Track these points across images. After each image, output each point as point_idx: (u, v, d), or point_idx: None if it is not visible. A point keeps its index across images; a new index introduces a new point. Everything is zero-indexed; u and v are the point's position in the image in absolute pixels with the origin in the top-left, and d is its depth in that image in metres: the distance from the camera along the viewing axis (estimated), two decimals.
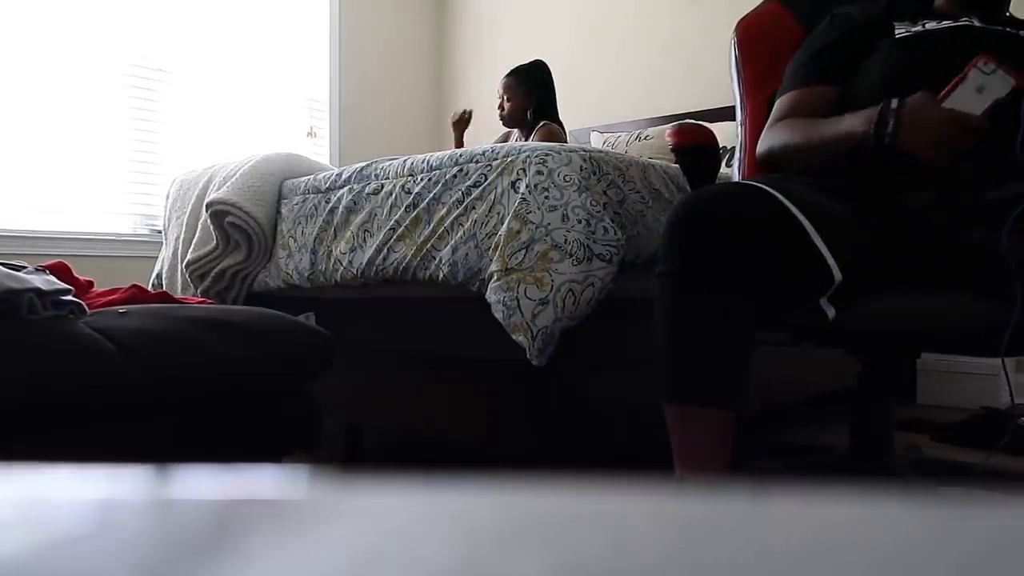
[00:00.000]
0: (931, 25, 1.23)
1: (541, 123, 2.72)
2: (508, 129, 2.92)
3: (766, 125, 1.33)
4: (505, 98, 2.80)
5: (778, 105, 1.32)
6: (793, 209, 1.01)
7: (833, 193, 1.12)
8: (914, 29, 1.23)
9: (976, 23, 1.21)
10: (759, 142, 1.31)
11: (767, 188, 1.03)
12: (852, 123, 1.13)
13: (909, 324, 1.05)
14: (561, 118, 2.85)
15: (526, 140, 2.75)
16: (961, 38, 1.20)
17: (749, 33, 1.54)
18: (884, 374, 1.32)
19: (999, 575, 0.12)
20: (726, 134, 2.79)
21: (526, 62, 2.85)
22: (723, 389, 1.00)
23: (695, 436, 1.00)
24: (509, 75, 2.81)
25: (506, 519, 0.14)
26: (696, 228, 0.99)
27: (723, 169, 2.65)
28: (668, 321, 1.01)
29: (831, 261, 0.99)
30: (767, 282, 0.99)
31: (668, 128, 2.52)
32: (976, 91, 1.04)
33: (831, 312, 1.01)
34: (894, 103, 1.07)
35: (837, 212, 1.08)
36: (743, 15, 1.58)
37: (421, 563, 0.12)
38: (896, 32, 1.24)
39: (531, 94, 2.76)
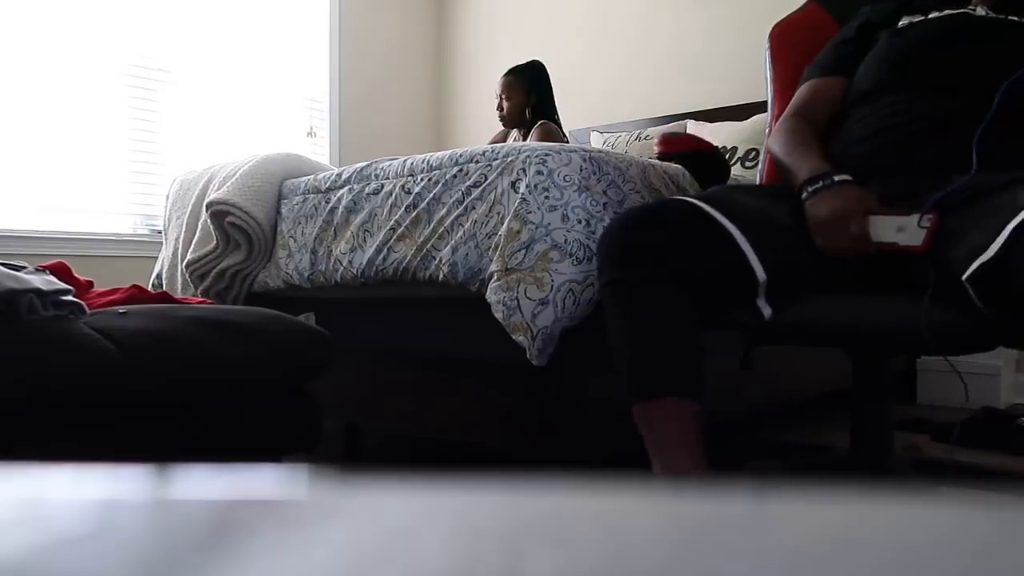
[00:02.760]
0: (934, 15, 1.25)
1: (539, 122, 2.72)
2: (505, 128, 2.92)
3: (781, 116, 1.37)
4: (504, 97, 2.81)
5: (795, 97, 1.38)
6: (718, 216, 1.08)
7: (777, 197, 1.19)
8: (916, 19, 1.26)
9: (979, 11, 1.23)
10: (770, 135, 1.37)
11: (693, 201, 1.12)
12: (802, 169, 1.18)
13: (843, 322, 1.11)
14: (562, 118, 2.86)
15: (524, 139, 2.76)
16: (955, 26, 1.23)
17: (783, 36, 1.57)
18: (875, 374, 1.33)
19: (1000, 575, 0.12)
20: (728, 134, 2.80)
21: (523, 62, 2.86)
22: (677, 379, 1.06)
23: (662, 428, 1.06)
24: (507, 75, 2.82)
25: (507, 519, 0.14)
26: (622, 240, 1.09)
27: (739, 170, 2.64)
28: (616, 326, 1.10)
29: (755, 263, 1.06)
30: (703, 284, 1.07)
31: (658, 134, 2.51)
32: (897, 228, 1.06)
33: (767, 312, 1.08)
34: (834, 179, 1.12)
35: (777, 216, 1.15)
36: (779, 19, 1.61)
37: (422, 563, 0.12)
38: (901, 23, 1.27)
39: (530, 93, 2.77)
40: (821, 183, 1.12)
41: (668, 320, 1.07)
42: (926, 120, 1.15)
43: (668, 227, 1.09)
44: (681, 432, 1.04)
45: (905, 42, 1.24)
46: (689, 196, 1.16)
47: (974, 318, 0.95)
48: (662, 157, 1.83)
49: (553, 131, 2.68)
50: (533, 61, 2.85)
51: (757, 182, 1.57)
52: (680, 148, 1.87)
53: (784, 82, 1.54)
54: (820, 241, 1.10)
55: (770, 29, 1.60)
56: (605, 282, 1.11)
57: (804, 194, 1.14)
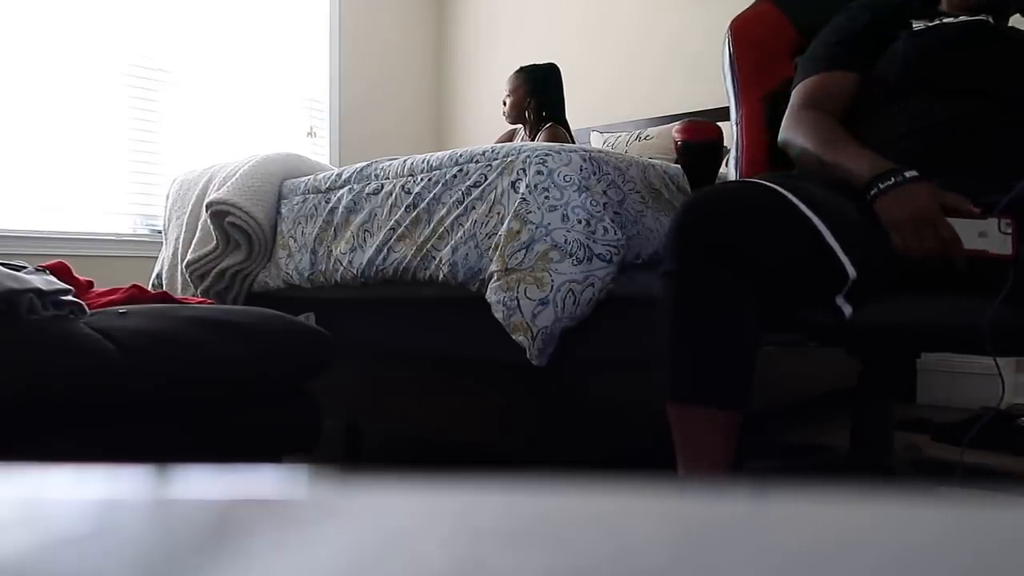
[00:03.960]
0: (948, 20, 1.24)
1: (547, 124, 2.73)
2: (512, 127, 2.93)
3: (789, 108, 1.31)
4: (507, 92, 2.81)
5: (801, 89, 1.32)
6: (803, 207, 1.00)
7: (843, 191, 1.11)
8: (931, 24, 1.24)
9: (991, 20, 1.23)
10: (783, 126, 1.30)
11: (775, 187, 1.03)
12: (861, 165, 1.10)
13: (924, 323, 1.04)
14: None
15: (531, 140, 2.76)
16: (979, 31, 1.21)
17: (743, 33, 1.55)
18: (884, 374, 1.32)
19: (1000, 575, 0.12)
20: (728, 134, 2.79)
21: (541, 63, 2.86)
22: (728, 390, 0.99)
23: (698, 436, 1.00)
24: (517, 71, 2.83)
25: (506, 519, 0.14)
26: (702, 228, 0.99)
27: (721, 168, 2.64)
28: (673, 321, 1.01)
29: (844, 259, 0.99)
30: (778, 281, 0.99)
31: (675, 125, 2.51)
32: (979, 233, 1.01)
33: (848, 310, 1.00)
34: (908, 174, 1.05)
35: (847, 210, 1.08)
36: (736, 15, 1.58)
37: (421, 563, 0.12)
38: (914, 27, 1.25)
39: (531, 94, 2.77)
40: (893, 179, 1.05)
41: (730, 322, 0.98)
42: (961, 121, 1.13)
43: (746, 216, 0.99)
44: (717, 443, 0.99)
45: (932, 42, 1.22)
46: (766, 180, 1.07)
47: None
48: (685, 144, 1.81)
49: (560, 134, 2.68)
50: (548, 64, 2.84)
51: (733, 177, 1.54)
52: (703, 136, 1.86)
53: (749, 79, 1.52)
54: (899, 241, 1.03)
55: (729, 24, 1.59)
56: (670, 270, 1.01)
57: (873, 191, 1.07)
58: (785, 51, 1.42)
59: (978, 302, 0.95)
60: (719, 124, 2.90)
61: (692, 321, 0.99)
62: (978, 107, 1.14)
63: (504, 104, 2.83)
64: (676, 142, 2.18)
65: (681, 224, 1.01)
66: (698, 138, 1.80)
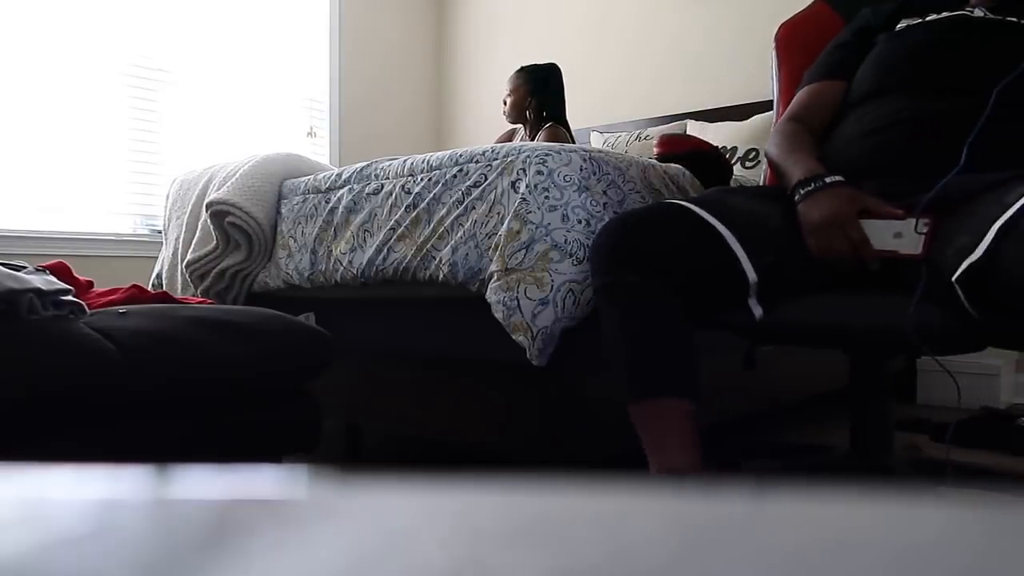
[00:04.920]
0: (932, 17, 1.25)
1: (548, 124, 2.73)
2: (512, 126, 2.93)
3: (780, 119, 1.38)
4: (508, 92, 2.81)
5: (793, 101, 1.38)
6: (708, 217, 1.10)
7: (771, 199, 1.19)
8: (912, 23, 1.26)
9: (978, 13, 1.22)
10: (768, 139, 1.37)
11: (684, 203, 1.14)
12: (796, 172, 1.18)
13: (835, 322, 1.11)
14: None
15: (531, 139, 2.76)
16: (953, 28, 1.22)
17: (789, 35, 1.57)
18: (873, 374, 1.33)
19: (1000, 575, 0.12)
20: (728, 134, 2.80)
21: (542, 62, 2.86)
22: (672, 378, 1.07)
23: (658, 429, 1.07)
24: (517, 71, 2.83)
25: (506, 519, 0.14)
26: (616, 243, 1.11)
27: (739, 170, 2.64)
28: (611, 329, 1.11)
29: (746, 263, 1.07)
30: (695, 285, 1.09)
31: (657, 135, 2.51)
32: (894, 234, 1.03)
33: (758, 312, 1.09)
34: (826, 180, 1.12)
35: (768, 217, 1.15)
36: (782, 19, 1.61)
37: (421, 563, 0.12)
38: (899, 26, 1.27)
39: (532, 95, 2.77)
40: (813, 185, 1.12)
41: (662, 321, 1.08)
42: (922, 121, 1.15)
43: (659, 230, 1.11)
44: (677, 432, 1.05)
45: (902, 45, 1.24)
46: (681, 199, 1.19)
47: (964, 319, 0.94)
48: (661, 158, 1.83)
49: (560, 134, 2.68)
50: (549, 64, 2.84)
51: (761, 183, 1.57)
52: (678, 149, 1.87)
53: (789, 84, 1.54)
54: (813, 244, 1.09)
55: (776, 29, 1.60)
56: (599, 285, 1.13)
57: (796, 196, 1.14)
58: None
59: (893, 301, 1.00)
60: (724, 124, 2.91)
61: (627, 325, 1.09)
62: (943, 106, 1.15)
63: (504, 104, 2.83)
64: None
65: (598, 243, 1.14)
66: (676, 150, 1.81)
